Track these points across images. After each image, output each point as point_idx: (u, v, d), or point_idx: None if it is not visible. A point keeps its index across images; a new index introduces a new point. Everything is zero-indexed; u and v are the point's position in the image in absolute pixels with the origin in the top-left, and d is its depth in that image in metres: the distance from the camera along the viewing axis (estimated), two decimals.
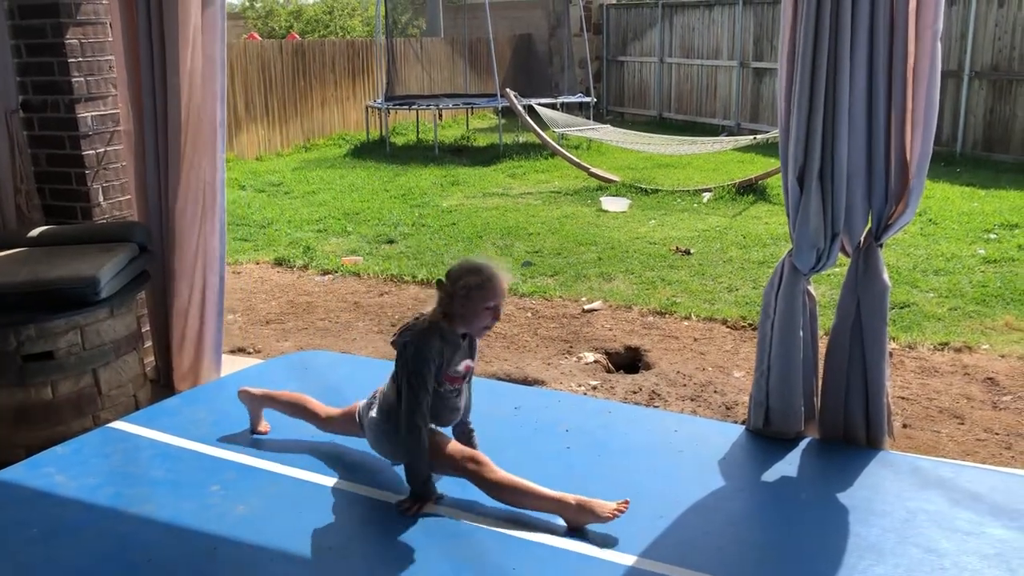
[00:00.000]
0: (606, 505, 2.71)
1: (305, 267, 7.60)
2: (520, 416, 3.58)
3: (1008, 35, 11.35)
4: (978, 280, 6.63)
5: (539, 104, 13.21)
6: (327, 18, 21.39)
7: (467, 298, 2.81)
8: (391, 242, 8.38)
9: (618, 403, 4.40)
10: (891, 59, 2.83)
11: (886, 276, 3.03)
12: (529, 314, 6.25)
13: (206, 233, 4.01)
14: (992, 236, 7.91)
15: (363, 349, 5.63)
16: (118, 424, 3.60)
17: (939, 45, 2.82)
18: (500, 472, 2.81)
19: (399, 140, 15.27)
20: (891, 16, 2.79)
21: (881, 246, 3.02)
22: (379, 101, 14.78)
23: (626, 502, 2.73)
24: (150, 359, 4.54)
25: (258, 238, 8.67)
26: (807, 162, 2.93)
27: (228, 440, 3.44)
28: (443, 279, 2.90)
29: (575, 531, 2.71)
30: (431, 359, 2.79)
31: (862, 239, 3.03)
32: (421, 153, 13.85)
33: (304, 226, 9.08)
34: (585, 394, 4.80)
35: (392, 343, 2.93)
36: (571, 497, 2.74)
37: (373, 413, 3.01)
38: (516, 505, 2.80)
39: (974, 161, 11.62)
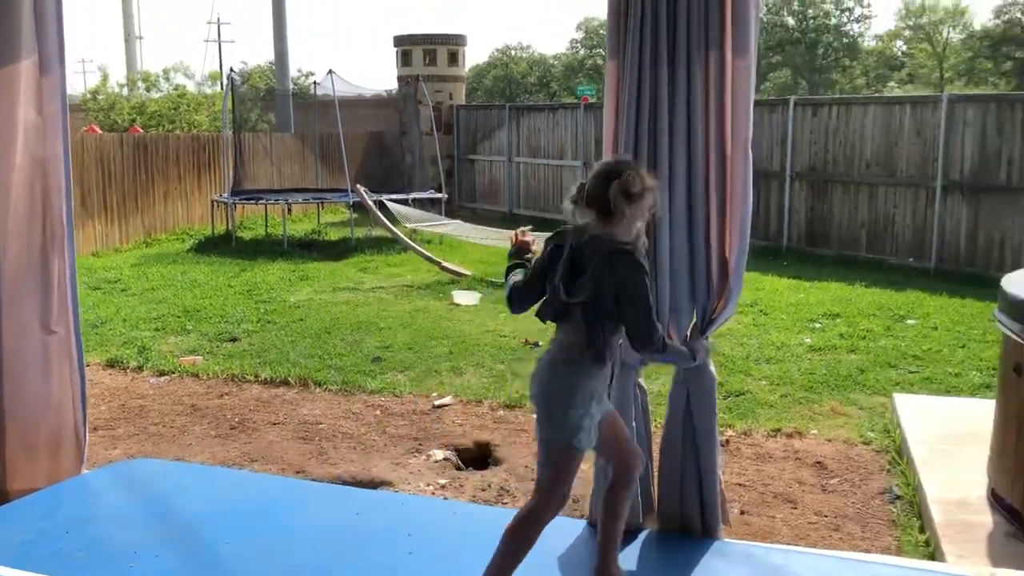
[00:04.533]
0: None
1: (139, 368, 7.21)
2: (361, 522, 3.47)
3: (821, 140, 12.39)
4: (805, 368, 7.02)
5: (390, 199, 13.30)
6: (172, 112, 20.99)
7: (643, 199, 2.58)
8: (234, 340, 8.10)
9: (464, 503, 4.34)
10: (707, 166, 3.02)
11: (713, 368, 3.15)
12: (378, 412, 6.13)
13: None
14: (817, 325, 8.44)
15: (199, 455, 5.35)
16: None
17: (751, 153, 3.03)
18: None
19: (247, 235, 14.97)
20: (706, 127, 2.99)
21: (706, 338, 3.16)
22: (225, 195, 14.50)
23: None
24: None
25: (89, 338, 8.18)
26: None
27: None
28: (603, 179, 2.63)
29: None
30: None
31: (688, 333, 3.16)
32: (269, 248, 13.60)
33: (140, 325, 8.66)
34: (434, 494, 4.71)
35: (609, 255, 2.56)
36: None
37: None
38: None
39: (799, 255, 12.46)
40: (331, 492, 3.87)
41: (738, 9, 2.85)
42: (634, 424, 3.15)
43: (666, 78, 2.92)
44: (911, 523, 4.26)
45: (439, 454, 5.30)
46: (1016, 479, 3.84)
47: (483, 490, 4.80)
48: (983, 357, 7.22)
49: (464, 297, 9.75)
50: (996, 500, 4.07)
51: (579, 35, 70.96)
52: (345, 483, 4.86)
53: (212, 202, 15.00)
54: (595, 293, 2.60)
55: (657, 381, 6.33)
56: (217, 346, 7.89)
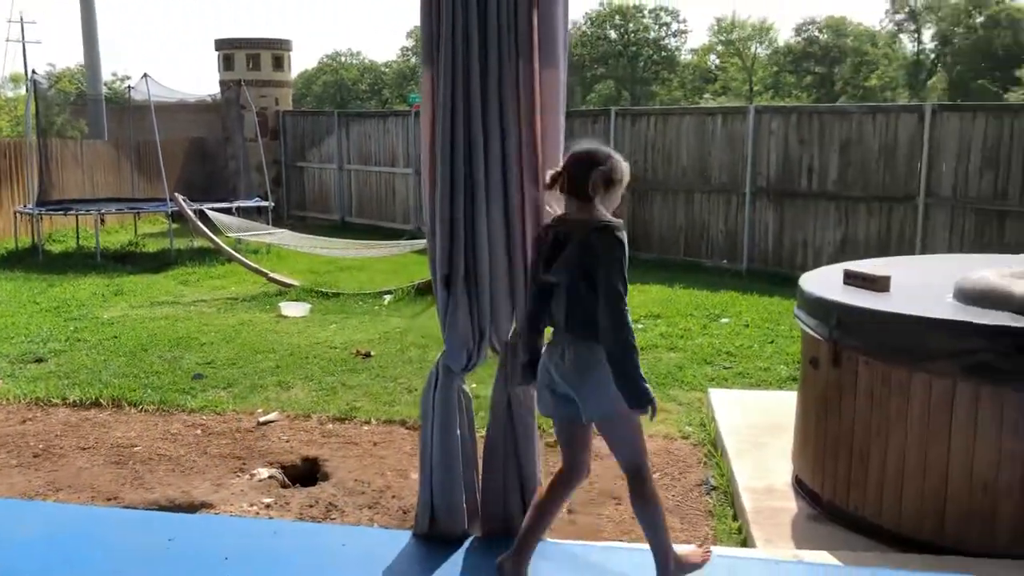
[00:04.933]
0: None
1: None
2: (173, 549, 3.28)
3: (641, 149, 12.91)
4: None
5: (211, 209, 12.77)
6: None
7: (620, 182, 2.81)
8: (40, 361, 7.53)
9: (287, 522, 4.21)
10: (521, 175, 3.06)
11: None
12: (199, 431, 5.86)
13: None
14: (640, 326, 8.76)
15: None
16: None
17: (562, 161, 3.09)
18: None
19: (55, 248, 13.99)
20: (519, 136, 3.03)
21: None
22: (30, 206, 13.48)
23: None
24: None
25: None
26: (452, 268, 3.07)
27: None
28: (585, 166, 2.74)
29: None
30: None
31: (509, 337, 3.20)
32: (80, 261, 12.76)
33: None
34: (257, 514, 4.54)
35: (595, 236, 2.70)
36: None
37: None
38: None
39: None
40: (139, 519, 3.65)
41: (544, 20, 2.92)
42: (459, 432, 3.15)
43: (478, 87, 2.95)
44: (725, 512, 4.49)
45: (264, 472, 5.12)
46: (816, 466, 4.12)
47: (310, 507, 4.68)
48: (789, 352, 7.72)
49: (292, 308, 9.50)
50: (799, 486, 4.35)
51: (410, 43, 70.92)
52: (161, 508, 4.61)
53: (15, 213, 13.90)
54: (581, 271, 2.78)
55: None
56: (20, 368, 7.31)
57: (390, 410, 6.22)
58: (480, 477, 3.23)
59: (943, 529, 3.55)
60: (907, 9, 57.52)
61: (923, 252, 10.40)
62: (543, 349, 2.96)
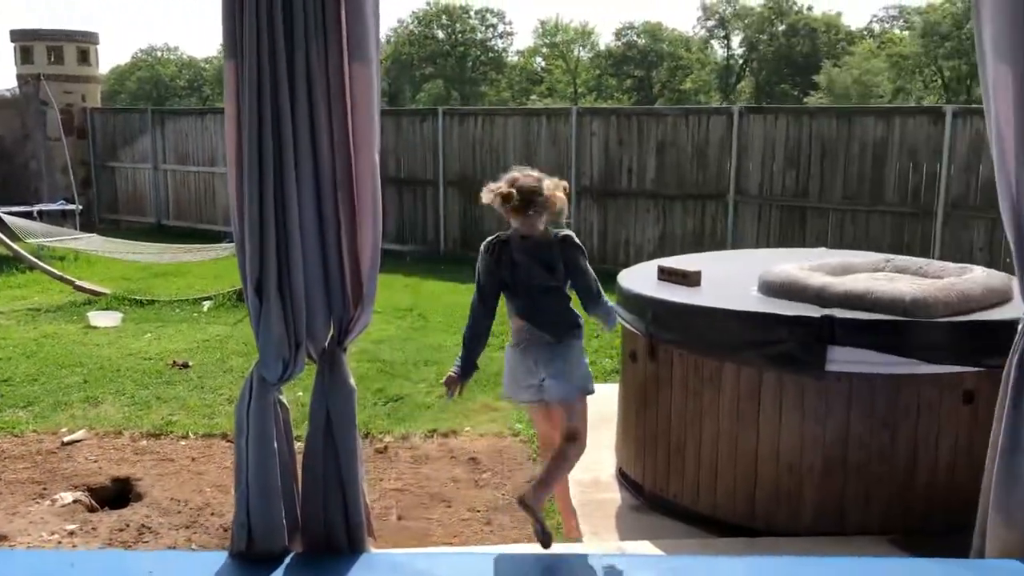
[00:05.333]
0: None
1: None
2: None
3: (469, 149, 12.98)
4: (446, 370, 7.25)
5: (8, 213, 11.79)
6: None
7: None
8: None
9: (87, 551, 3.91)
10: (334, 172, 2.96)
11: (352, 380, 3.11)
12: None
13: None
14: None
15: None
16: None
17: (377, 159, 3.02)
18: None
19: None
20: (331, 132, 2.93)
21: (344, 350, 3.11)
22: None
23: None
24: None
25: None
26: (263, 274, 2.93)
27: None
28: (537, 193, 3.44)
29: None
30: None
31: (326, 345, 3.09)
32: None
33: None
34: (59, 543, 4.19)
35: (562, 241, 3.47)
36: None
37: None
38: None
39: (455, 258, 12.92)
40: None
41: (353, 13, 2.83)
42: (276, 445, 3.01)
43: (286, 81, 2.82)
44: (554, 507, 4.54)
45: (68, 497, 4.74)
46: (637, 457, 4.24)
47: (121, 531, 4.37)
48: (614, 345, 7.95)
49: (102, 318, 8.89)
50: (623, 477, 4.48)
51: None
52: None
53: None
54: (562, 274, 3.44)
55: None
56: None
57: (209, 423, 5.93)
58: (300, 491, 3.10)
59: (754, 512, 3.73)
60: (717, 16, 60.97)
61: (734, 246, 11.01)
62: (516, 349, 3.57)
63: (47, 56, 17.07)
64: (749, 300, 3.88)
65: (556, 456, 3.46)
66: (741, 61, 60.94)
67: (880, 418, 3.53)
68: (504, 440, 5.63)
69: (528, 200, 3.44)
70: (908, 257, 4.57)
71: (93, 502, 4.80)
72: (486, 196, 3.54)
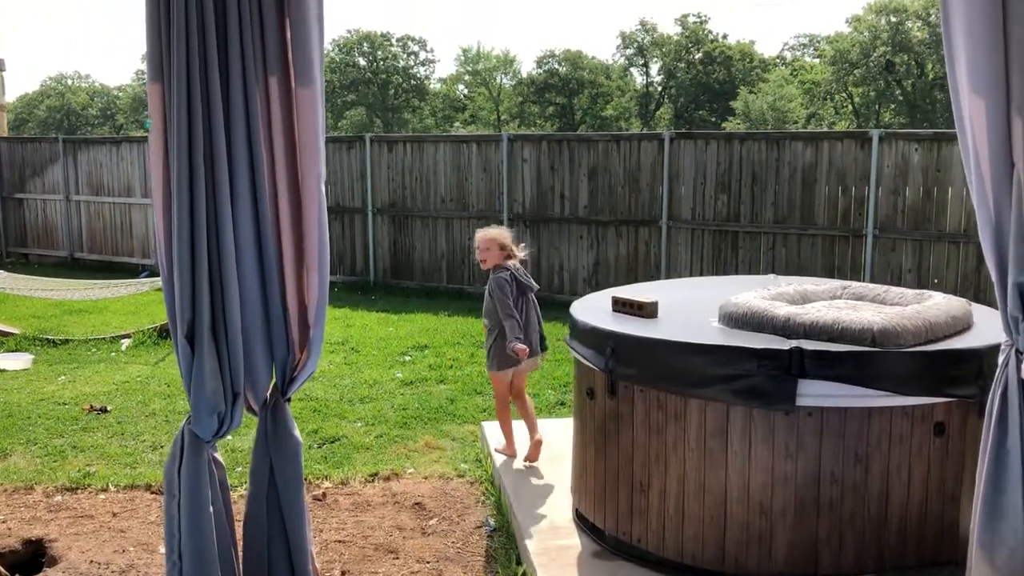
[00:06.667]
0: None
1: None
2: None
3: (400, 176, 12.71)
4: (399, 403, 6.97)
5: None
6: None
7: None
8: None
9: None
10: (277, 204, 2.70)
11: (297, 432, 2.83)
12: None
13: None
14: (408, 358, 8.50)
15: None
16: None
17: (323, 188, 2.77)
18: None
19: None
20: (272, 160, 2.67)
21: (288, 400, 2.83)
22: None
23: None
24: None
25: None
26: (196, 318, 2.63)
27: None
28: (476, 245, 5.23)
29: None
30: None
31: (268, 395, 2.80)
32: None
33: None
34: None
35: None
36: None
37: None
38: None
39: (386, 288, 12.61)
40: None
41: (298, 37, 2.58)
42: (211, 508, 2.70)
43: (220, 103, 2.55)
44: (509, 555, 4.30)
45: None
46: (597, 499, 4.03)
47: None
48: (555, 376, 7.77)
49: (11, 361, 8.32)
50: (581, 520, 4.25)
51: (144, 66, 66.78)
52: None
53: None
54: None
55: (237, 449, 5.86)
56: None
57: (132, 473, 5.51)
58: (240, 560, 2.80)
59: (724, 555, 3.55)
60: (635, 44, 62.14)
61: (668, 271, 10.99)
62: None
63: None
64: (711, 332, 3.73)
65: (529, 408, 5.35)
66: (660, 88, 62.14)
67: (852, 452, 3.40)
68: (450, 482, 5.36)
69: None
70: (864, 283, 4.49)
71: (2, 569, 4.35)
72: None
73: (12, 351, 8.75)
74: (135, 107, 65.02)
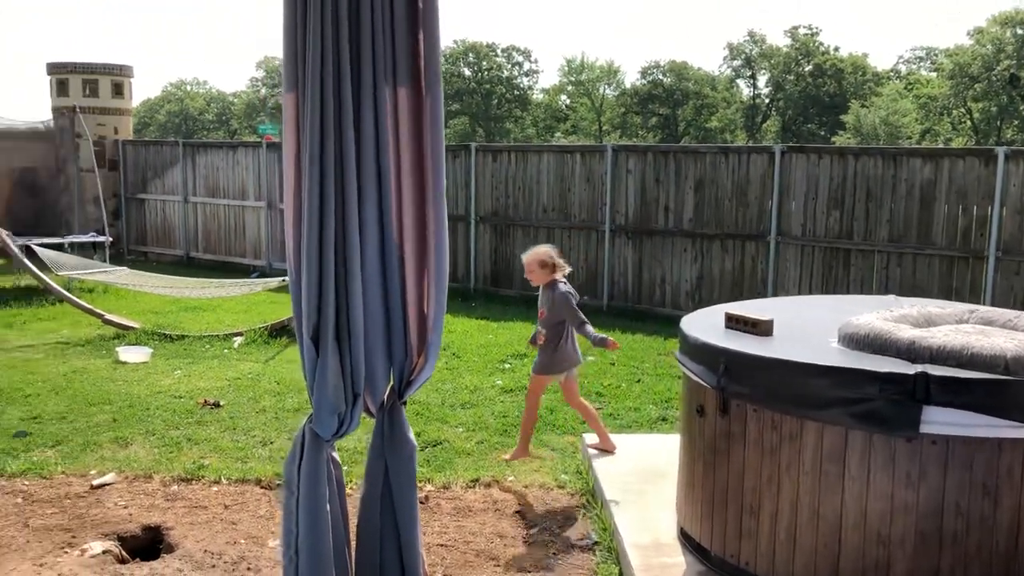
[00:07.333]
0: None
1: None
2: None
3: (503, 185, 12.81)
4: (499, 410, 7.01)
5: (40, 245, 11.71)
6: None
7: None
8: None
9: None
10: (401, 212, 2.75)
11: (412, 435, 2.88)
12: (19, 499, 5.15)
13: None
14: (507, 366, 8.54)
15: None
16: None
17: (444, 201, 2.81)
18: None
19: None
20: (398, 169, 2.73)
21: (404, 404, 2.88)
22: None
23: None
24: None
25: None
26: (321, 320, 2.71)
27: None
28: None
29: None
30: None
31: (385, 398, 2.86)
32: None
33: None
34: None
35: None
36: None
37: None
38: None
39: (485, 296, 12.72)
40: None
41: (428, 42, 2.64)
42: (328, 507, 2.77)
43: (351, 113, 2.62)
44: (611, 570, 4.26)
45: (97, 547, 4.50)
46: (704, 518, 3.95)
47: None
48: (656, 391, 7.68)
49: (131, 353, 8.72)
50: (686, 539, 4.18)
51: (260, 73, 69.24)
52: None
53: None
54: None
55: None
56: None
57: (243, 467, 5.69)
58: (353, 559, 2.86)
59: None
60: (743, 56, 61.09)
61: (775, 288, 10.72)
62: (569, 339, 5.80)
63: (82, 89, 17.19)
64: (830, 353, 3.62)
65: (590, 410, 5.81)
66: (767, 100, 60.89)
67: (980, 484, 3.25)
68: (550, 492, 5.35)
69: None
70: (993, 308, 4.29)
71: (123, 553, 4.57)
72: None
73: (133, 344, 9.16)
74: (248, 112, 67.48)
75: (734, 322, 4.09)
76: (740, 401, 3.68)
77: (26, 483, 5.39)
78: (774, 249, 10.71)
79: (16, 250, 10.74)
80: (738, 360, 3.67)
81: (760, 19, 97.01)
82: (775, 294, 10.60)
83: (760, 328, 3.96)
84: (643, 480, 5.07)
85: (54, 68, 17.48)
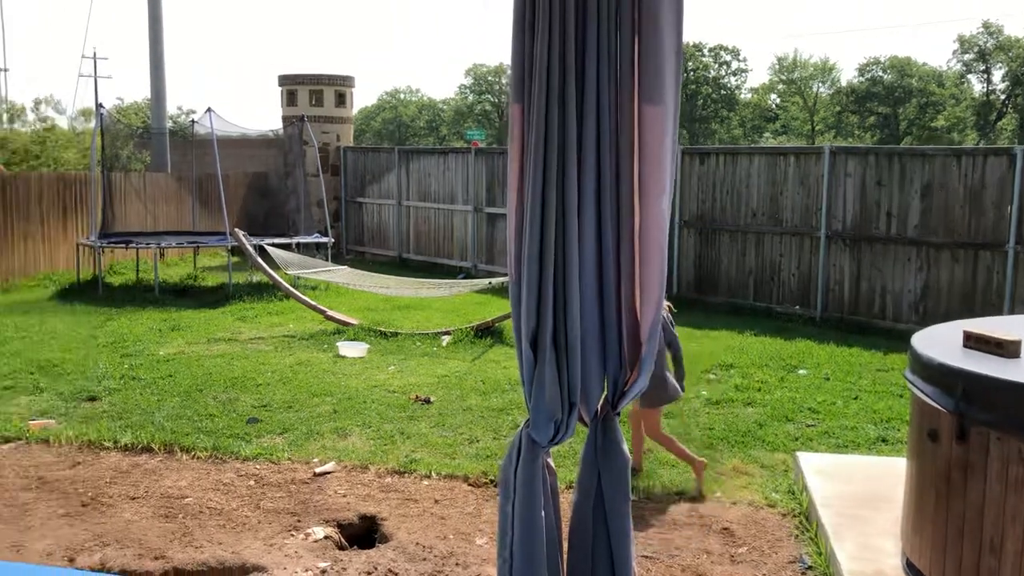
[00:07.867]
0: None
1: None
2: None
3: (709, 189, 12.51)
4: (704, 423, 6.83)
5: (271, 245, 12.66)
6: (38, 148, 19.69)
7: None
8: (93, 399, 7.36)
9: None
10: (618, 220, 2.72)
11: (626, 448, 2.84)
12: (252, 482, 5.57)
13: None
14: (713, 376, 8.31)
15: (41, 540, 4.68)
16: None
17: (666, 213, 2.75)
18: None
19: (116, 280, 14.01)
20: (616, 177, 2.70)
21: (618, 415, 2.85)
22: (92, 238, 13.54)
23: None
24: None
25: None
26: (540, 327, 2.72)
27: None
28: None
29: None
30: None
31: (599, 407, 2.84)
32: (140, 294, 12.72)
33: None
34: None
35: None
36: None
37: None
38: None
39: (689, 302, 12.43)
40: None
41: (648, 52, 2.59)
42: (543, 513, 2.78)
43: (575, 126, 2.62)
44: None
45: (319, 532, 4.79)
46: (935, 551, 3.65)
47: (368, 574, 4.34)
48: (876, 409, 7.21)
49: (350, 349, 9.24)
50: (911, 570, 3.89)
51: (468, 80, 71.64)
52: (211, 570, 4.32)
53: (78, 245, 13.99)
54: None
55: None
56: (73, 407, 7.14)
57: (451, 464, 5.87)
58: (565, 560, 2.86)
59: None
60: (976, 49, 56.39)
61: (1013, 303, 9.79)
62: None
63: (309, 99, 18.48)
64: None
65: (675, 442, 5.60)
66: (1003, 96, 55.89)
67: None
68: (760, 511, 5.14)
69: None
70: None
71: (342, 539, 4.83)
72: None
73: (351, 340, 9.70)
74: (456, 119, 69.95)
75: (974, 341, 3.75)
76: (981, 428, 3.37)
77: (258, 467, 5.83)
78: (1012, 259, 9.78)
79: (251, 249, 11.67)
80: (980, 383, 3.36)
81: (997, 9, 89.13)
82: (1012, 309, 9.68)
83: (1006, 349, 3.61)
84: (862, 504, 4.76)
85: (285, 80, 18.90)
